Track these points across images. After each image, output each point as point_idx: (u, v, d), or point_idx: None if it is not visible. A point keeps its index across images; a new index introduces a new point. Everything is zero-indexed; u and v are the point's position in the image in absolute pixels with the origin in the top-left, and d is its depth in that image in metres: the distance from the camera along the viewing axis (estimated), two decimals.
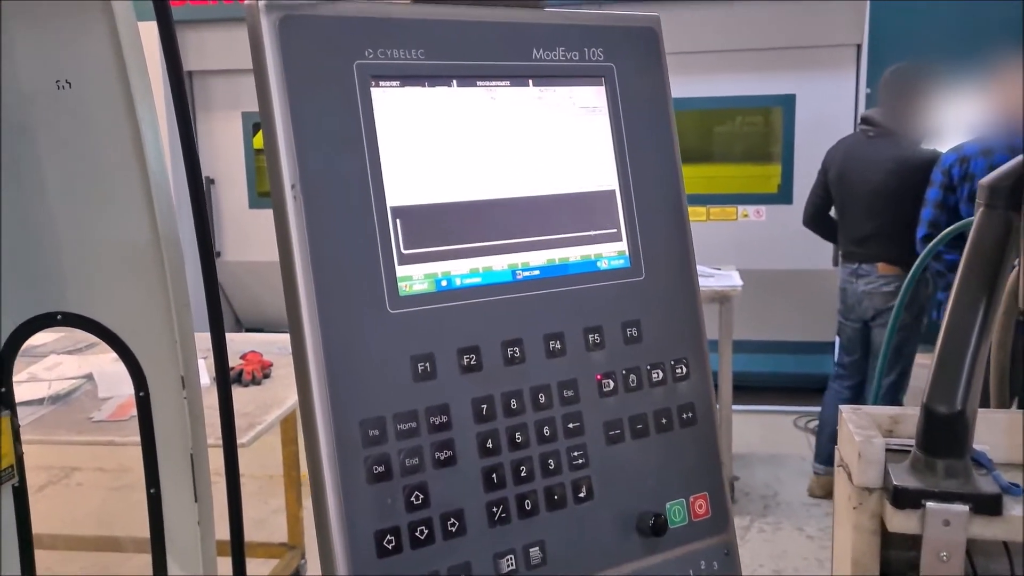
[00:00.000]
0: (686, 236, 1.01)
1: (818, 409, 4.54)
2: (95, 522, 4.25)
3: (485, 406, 0.87)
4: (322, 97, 0.83)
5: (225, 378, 1.58)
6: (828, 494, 4.31)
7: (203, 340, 1.53)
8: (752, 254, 5.20)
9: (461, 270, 0.89)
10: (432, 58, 0.88)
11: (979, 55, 3.55)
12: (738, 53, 5.32)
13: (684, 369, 0.99)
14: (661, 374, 0.97)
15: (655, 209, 0.99)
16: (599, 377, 0.94)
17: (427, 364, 0.85)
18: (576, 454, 0.91)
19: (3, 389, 1.64)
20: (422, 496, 0.82)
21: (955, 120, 4.23)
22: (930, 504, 1.01)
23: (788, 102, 5.35)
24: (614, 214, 0.97)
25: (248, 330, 6.07)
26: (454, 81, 0.90)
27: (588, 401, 0.93)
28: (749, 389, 5.42)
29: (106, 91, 1.47)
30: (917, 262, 2.06)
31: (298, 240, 0.81)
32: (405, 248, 0.86)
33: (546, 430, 0.90)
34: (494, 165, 0.92)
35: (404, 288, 0.85)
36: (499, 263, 0.91)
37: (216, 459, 1.55)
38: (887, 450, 1.07)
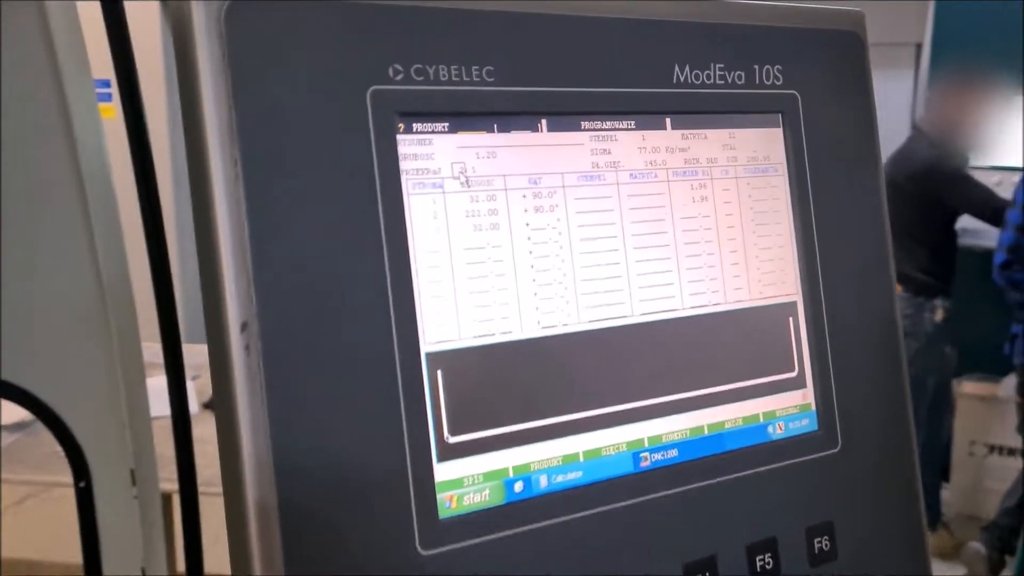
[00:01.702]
0: (901, 373, 0.62)
1: None
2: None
3: None
4: (303, 153, 0.44)
5: (183, 410, 1.05)
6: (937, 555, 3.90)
7: (194, 354, 1.06)
8: None
9: (547, 460, 0.50)
10: (507, 81, 0.49)
11: None
12: None
13: None
14: None
15: (858, 331, 0.60)
16: None
17: None
18: None
19: None
20: None
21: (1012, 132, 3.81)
22: None
23: None
24: (795, 342, 0.58)
25: None
26: (543, 121, 0.51)
27: None
28: None
29: (38, 103, 1.08)
30: None
31: (250, 428, 0.42)
32: (451, 430, 0.47)
33: None
34: (601, 269, 0.53)
35: (448, 503, 0.47)
36: (611, 441, 0.52)
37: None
38: None
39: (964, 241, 3.74)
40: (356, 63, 0.45)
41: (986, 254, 3.98)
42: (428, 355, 0.47)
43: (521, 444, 0.49)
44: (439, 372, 0.47)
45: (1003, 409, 3.78)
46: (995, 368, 3.87)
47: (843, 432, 0.59)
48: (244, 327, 0.42)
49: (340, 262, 0.44)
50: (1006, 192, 3.52)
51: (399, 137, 0.47)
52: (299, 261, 0.43)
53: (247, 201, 0.42)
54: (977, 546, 3.41)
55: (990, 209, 3.41)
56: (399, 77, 0.47)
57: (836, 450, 0.59)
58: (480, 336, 0.48)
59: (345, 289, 0.44)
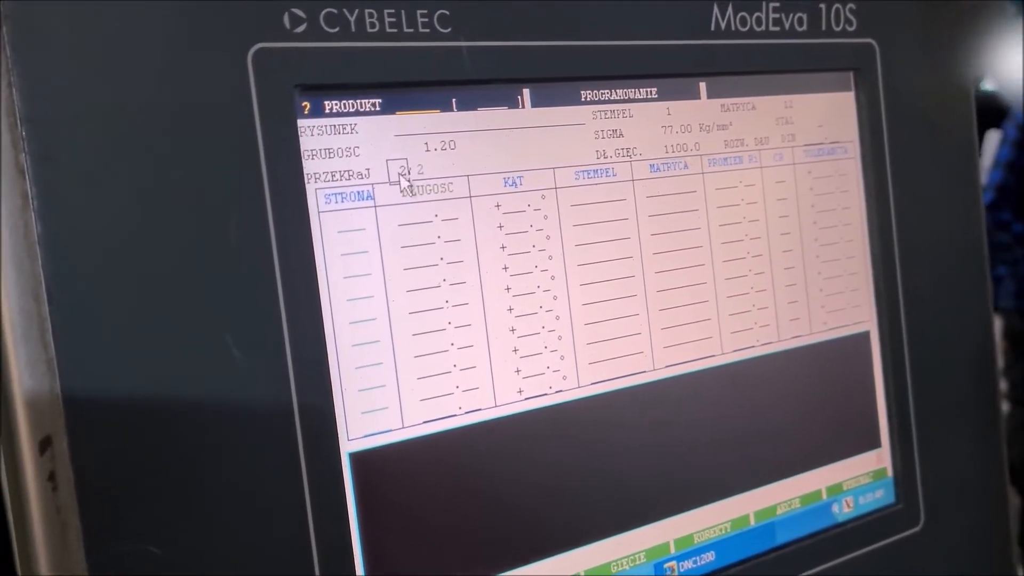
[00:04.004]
0: (998, 420, 0.47)
1: None
2: None
3: None
4: (139, 158, 0.27)
5: None
6: None
7: None
8: None
9: None
10: (470, 33, 0.33)
11: None
12: None
13: None
14: None
15: (948, 367, 0.45)
16: None
17: None
18: None
19: None
20: None
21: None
22: None
23: None
24: (867, 387, 0.43)
25: None
26: (525, 91, 0.34)
27: None
28: None
29: None
30: None
31: None
32: (391, 569, 0.31)
33: None
34: (610, 307, 0.37)
35: None
36: (624, 552, 0.37)
37: None
38: None
39: None
40: (228, 7, 0.28)
41: None
42: (353, 457, 0.31)
43: (499, 569, 0.34)
44: (363, 492, 0.31)
45: None
46: None
47: (926, 503, 0.44)
48: (45, 445, 0.26)
49: (204, 334, 0.28)
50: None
51: (301, 123, 0.30)
52: (135, 340, 0.27)
53: (45, 246, 0.26)
54: None
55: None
56: (300, 28, 0.30)
57: (918, 528, 0.44)
58: (433, 420, 0.32)
59: (213, 374, 0.28)
